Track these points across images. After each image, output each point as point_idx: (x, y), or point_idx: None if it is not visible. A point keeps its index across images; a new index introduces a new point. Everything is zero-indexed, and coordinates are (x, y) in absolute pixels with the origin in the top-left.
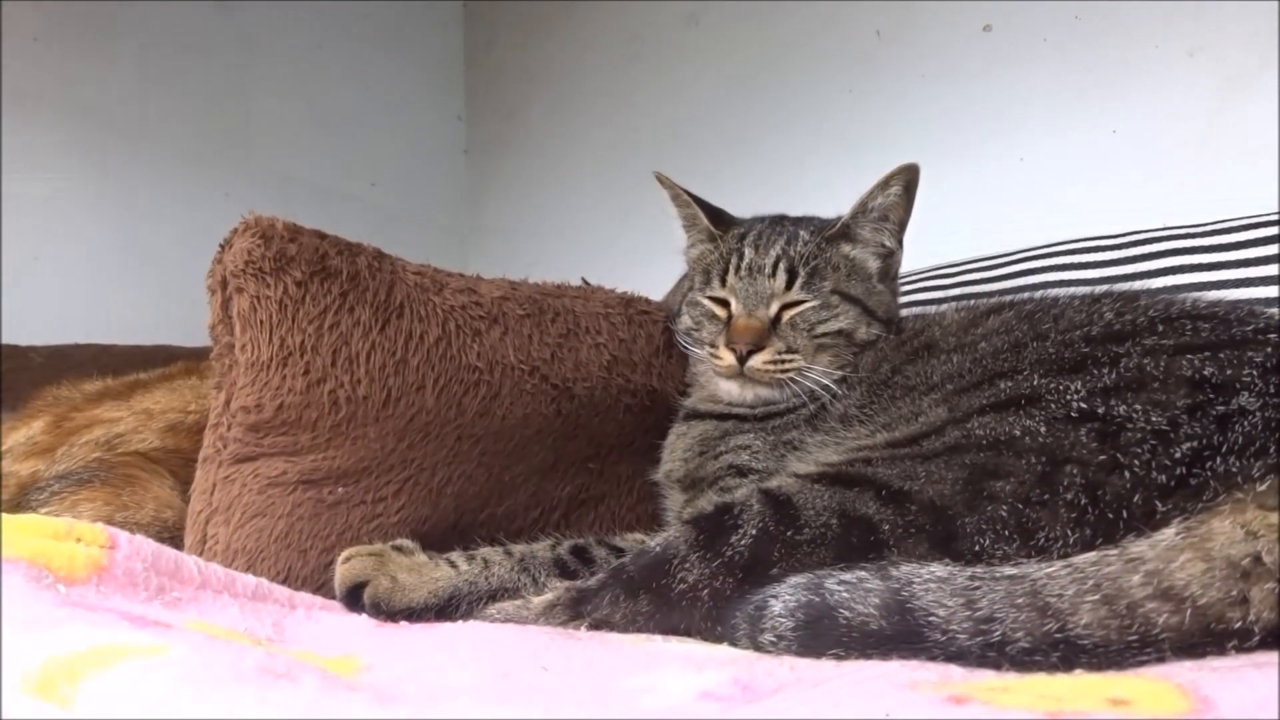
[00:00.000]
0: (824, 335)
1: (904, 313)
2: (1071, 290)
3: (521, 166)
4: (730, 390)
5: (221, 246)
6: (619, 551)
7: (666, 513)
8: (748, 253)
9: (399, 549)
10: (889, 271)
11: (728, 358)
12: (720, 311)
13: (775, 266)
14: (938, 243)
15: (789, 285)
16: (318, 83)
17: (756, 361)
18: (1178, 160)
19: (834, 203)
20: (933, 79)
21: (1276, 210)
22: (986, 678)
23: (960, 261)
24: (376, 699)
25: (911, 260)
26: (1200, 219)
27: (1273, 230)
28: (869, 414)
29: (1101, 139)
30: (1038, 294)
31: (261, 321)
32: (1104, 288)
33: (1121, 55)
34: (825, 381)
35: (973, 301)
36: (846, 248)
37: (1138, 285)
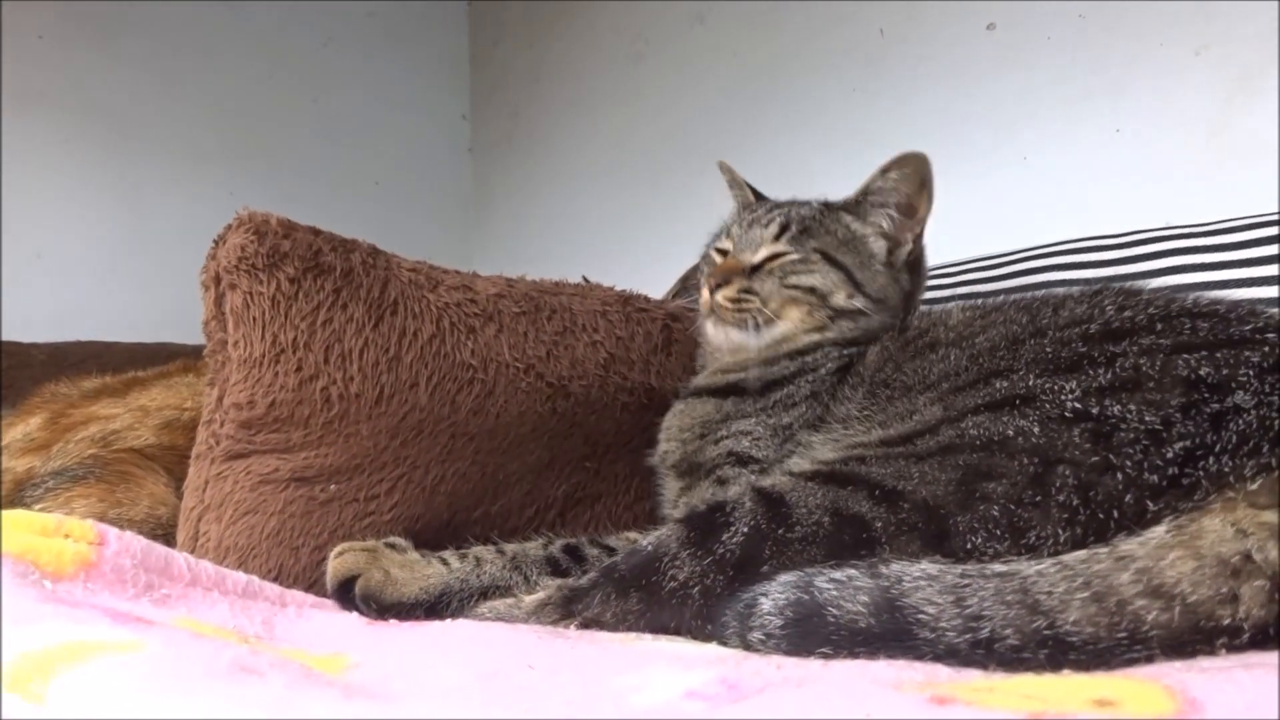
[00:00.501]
0: (795, 288)
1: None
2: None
3: (526, 165)
4: (707, 331)
5: (215, 243)
6: (611, 550)
7: (662, 499)
8: (759, 210)
9: (392, 546)
10: (895, 259)
11: (704, 294)
12: (719, 260)
13: (772, 219)
14: (940, 242)
15: (778, 236)
16: (323, 81)
17: (720, 296)
18: (1183, 160)
19: (835, 199)
20: (937, 78)
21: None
22: (973, 678)
23: (962, 261)
24: (345, 695)
25: None
26: (1205, 219)
27: (1275, 230)
28: (869, 413)
29: (1106, 138)
30: (1041, 293)
31: (254, 318)
32: (1106, 283)
33: (1126, 54)
34: (789, 330)
35: (980, 300)
36: (848, 219)
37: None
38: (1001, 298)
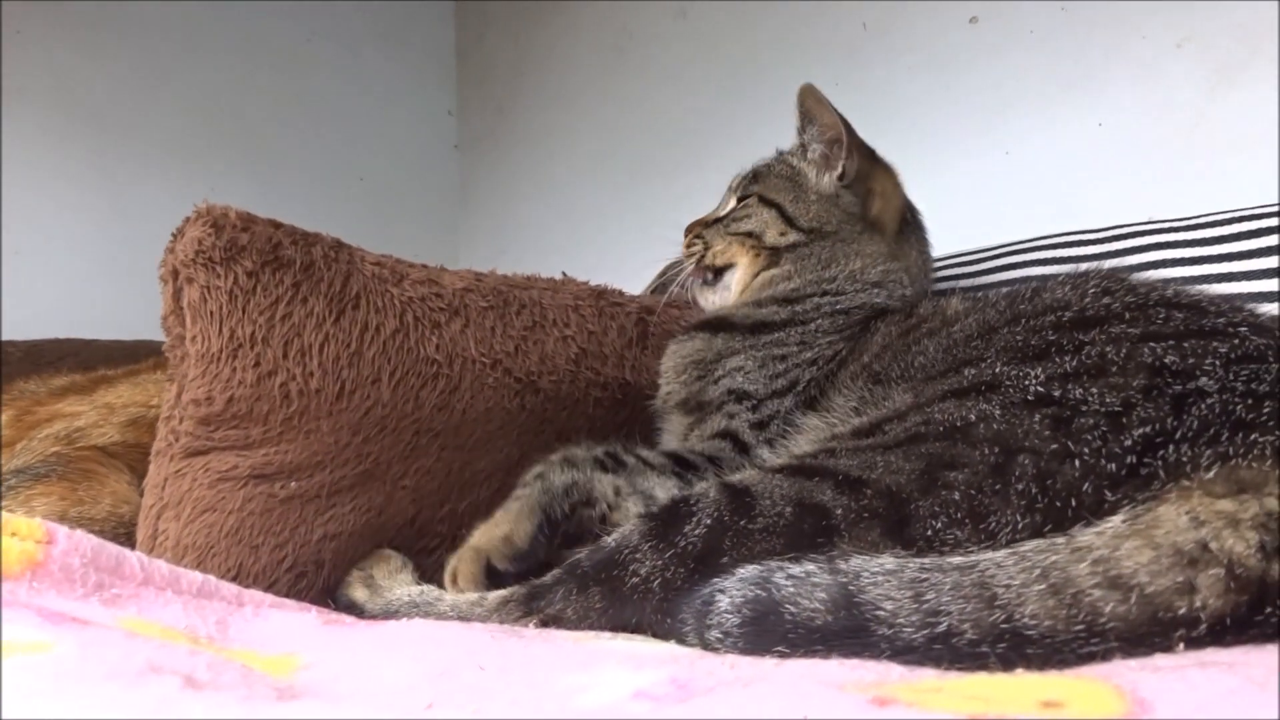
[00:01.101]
0: (736, 234)
1: None
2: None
3: (512, 161)
4: (695, 295)
5: (174, 236)
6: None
7: (666, 437)
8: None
9: None
10: (829, 184)
11: None
12: None
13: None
14: None
15: (737, 188)
16: (307, 77)
17: (682, 246)
18: (1165, 153)
19: None
20: (919, 71)
21: (1263, 204)
22: (925, 678)
23: (942, 256)
24: (278, 697)
25: None
26: (1188, 212)
27: (1256, 224)
28: (854, 405)
29: (1088, 132)
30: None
31: (211, 312)
32: (1093, 265)
33: (1108, 47)
34: (746, 272)
35: (980, 294)
36: (791, 158)
37: None
38: (1006, 289)
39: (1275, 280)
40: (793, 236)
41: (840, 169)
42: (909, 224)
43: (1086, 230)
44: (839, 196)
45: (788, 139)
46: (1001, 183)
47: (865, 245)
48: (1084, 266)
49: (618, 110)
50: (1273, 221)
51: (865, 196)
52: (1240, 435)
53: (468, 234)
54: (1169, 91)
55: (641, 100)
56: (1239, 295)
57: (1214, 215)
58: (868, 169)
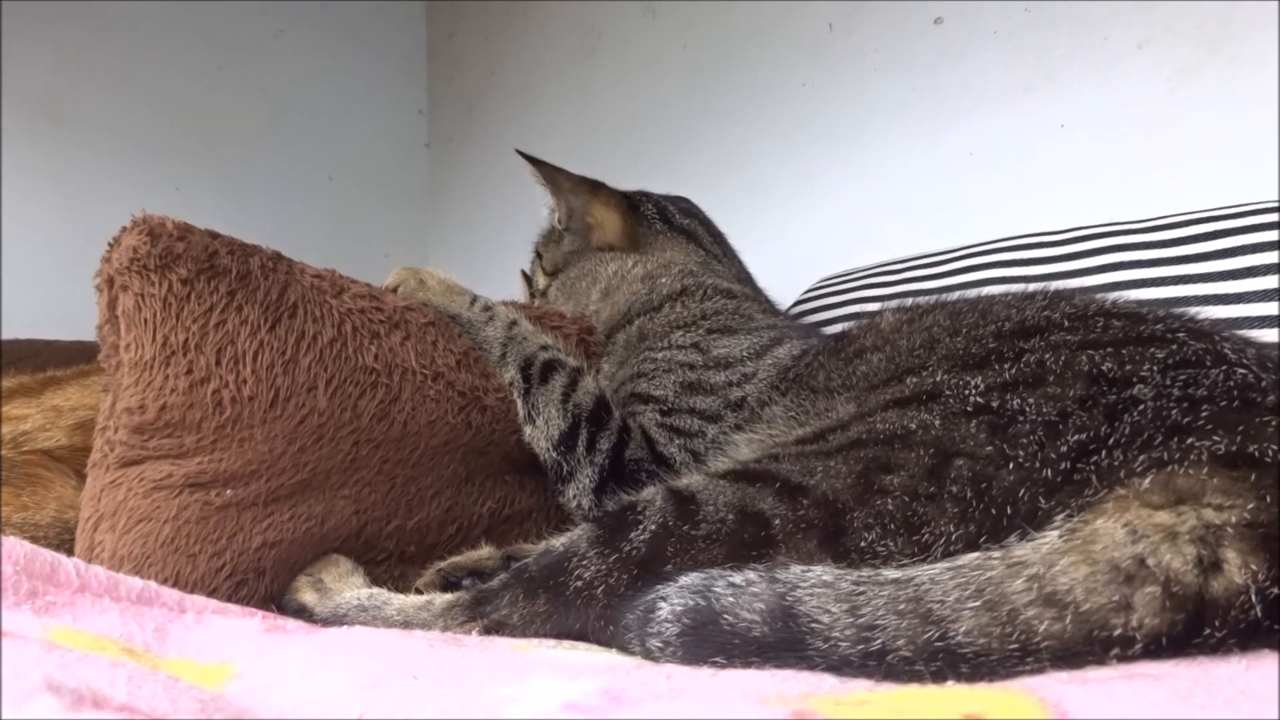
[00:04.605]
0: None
1: (852, 310)
2: (1010, 288)
3: (482, 160)
4: None
5: (110, 245)
6: None
7: None
8: None
9: None
10: (559, 231)
11: None
12: None
13: None
14: (884, 239)
15: None
16: (276, 74)
17: None
18: (1127, 155)
19: (785, 192)
20: (884, 72)
21: (1224, 206)
22: (856, 690)
23: (903, 259)
24: (201, 709)
25: (856, 257)
26: (1149, 213)
27: (1216, 226)
28: (793, 414)
29: (1051, 133)
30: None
31: (145, 320)
32: (1040, 286)
33: (1070, 48)
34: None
35: (910, 301)
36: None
37: (1079, 282)
38: (936, 298)
39: (1232, 283)
40: (546, 280)
41: (557, 218)
42: (658, 233)
43: (1048, 232)
44: (561, 240)
45: (755, 139)
46: (965, 184)
47: (604, 266)
48: (1032, 288)
49: (587, 109)
50: (1232, 223)
51: (586, 230)
52: (1176, 440)
53: (437, 233)
54: (1131, 93)
55: (611, 99)
56: (1197, 297)
57: (1174, 217)
58: (584, 205)
